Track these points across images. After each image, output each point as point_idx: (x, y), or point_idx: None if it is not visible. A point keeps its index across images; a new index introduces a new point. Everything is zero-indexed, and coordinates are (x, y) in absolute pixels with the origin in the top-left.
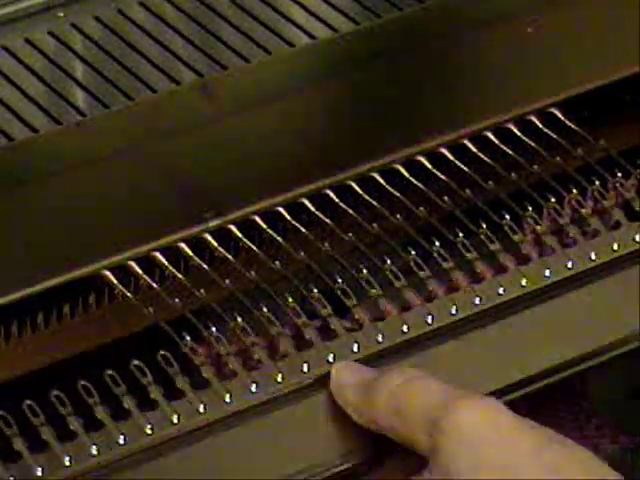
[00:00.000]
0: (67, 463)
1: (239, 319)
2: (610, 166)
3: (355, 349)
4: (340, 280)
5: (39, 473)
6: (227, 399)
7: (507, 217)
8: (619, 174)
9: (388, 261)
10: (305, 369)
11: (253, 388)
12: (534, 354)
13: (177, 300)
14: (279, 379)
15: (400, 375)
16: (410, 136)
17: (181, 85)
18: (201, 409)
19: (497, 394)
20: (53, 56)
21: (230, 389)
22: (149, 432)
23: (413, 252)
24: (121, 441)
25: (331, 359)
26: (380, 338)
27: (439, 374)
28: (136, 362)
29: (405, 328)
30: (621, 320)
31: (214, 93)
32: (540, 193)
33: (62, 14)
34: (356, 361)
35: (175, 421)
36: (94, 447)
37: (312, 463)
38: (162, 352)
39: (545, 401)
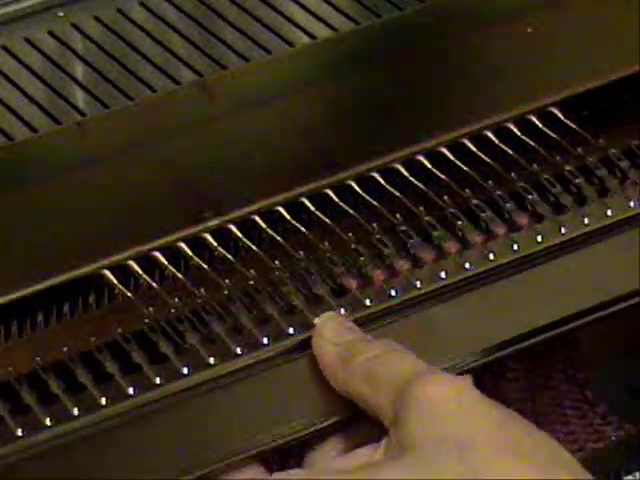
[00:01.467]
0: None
1: (238, 318)
2: (610, 166)
3: (343, 312)
4: (340, 279)
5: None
6: (212, 361)
7: (507, 216)
8: (619, 174)
9: (388, 260)
10: (291, 332)
11: (238, 351)
12: (524, 314)
13: (177, 299)
14: (265, 342)
15: (379, 346)
16: (410, 136)
17: (181, 85)
18: (185, 371)
19: (489, 351)
20: (53, 56)
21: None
22: (131, 394)
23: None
24: (103, 402)
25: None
26: (368, 302)
27: (435, 333)
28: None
29: (393, 292)
30: (610, 283)
31: (214, 93)
32: (540, 193)
33: (62, 14)
34: None
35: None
36: (76, 409)
37: (293, 422)
38: (147, 321)
39: (548, 390)
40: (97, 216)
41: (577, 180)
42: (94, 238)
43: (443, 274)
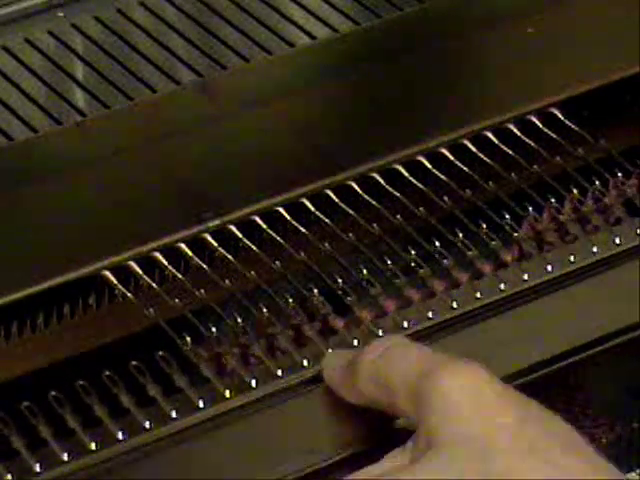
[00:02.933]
0: (65, 459)
1: (239, 319)
2: (610, 166)
3: (355, 344)
4: (340, 280)
5: (37, 469)
6: (227, 395)
7: (507, 217)
8: (619, 174)
9: (388, 261)
10: (305, 364)
11: (253, 384)
12: (533, 346)
13: (177, 300)
14: (279, 374)
15: (380, 344)
16: (410, 136)
17: (181, 85)
18: (201, 404)
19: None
20: (53, 56)
21: (231, 385)
22: (148, 428)
23: (413, 252)
24: (120, 437)
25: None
26: (380, 333)
27: None
28: (134, 362)
29: (405, 324)
30: (620, 313)
31: (214, 93)
32: (540, 193)
33: (62, 14)
34: None
35: (174, 416)
36: (93, 443)
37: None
38: (161, 353)
39: (539, 394)
40: (97, 216)
41: (585, 208)
42: (94, 239)
43: (454, 304)
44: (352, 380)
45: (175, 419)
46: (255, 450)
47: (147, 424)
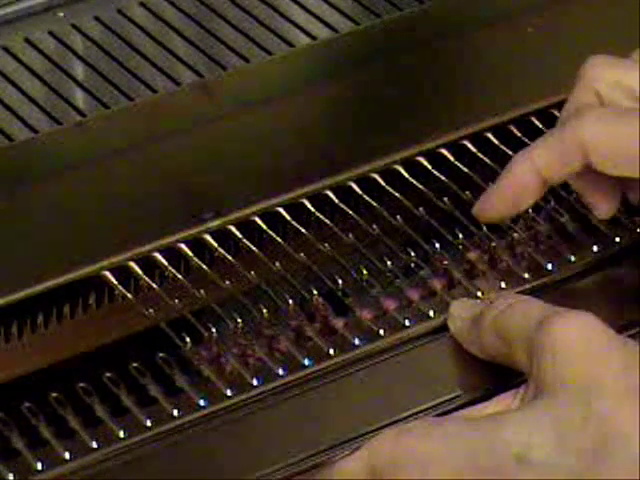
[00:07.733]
0: (67, 457)
1: (239, 320)
2: None
3: (357, 342)
4: (340, 281)
5: (39, 467)
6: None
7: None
8: None
9: (388, 262)
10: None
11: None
12: None
13: (177, 301)
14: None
15: (503, 301)
16: (410, 136)
17: (181, 85)
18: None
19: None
20: (53, 56)
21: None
22: (149, 425)
23: (413, 253)
24: (122, 435)
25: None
26: (382, 332)
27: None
28: (135, 364)
29: (407, 322)
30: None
31: (214, 93)
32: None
33: (62, 14)
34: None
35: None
36: (94, 442)
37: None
38: (161, 354)
39: None
40: (97, 217)
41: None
42: (94, 239)
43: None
44: (476, 334)
45: (177, 417)
46: None
47: (148, 423)
